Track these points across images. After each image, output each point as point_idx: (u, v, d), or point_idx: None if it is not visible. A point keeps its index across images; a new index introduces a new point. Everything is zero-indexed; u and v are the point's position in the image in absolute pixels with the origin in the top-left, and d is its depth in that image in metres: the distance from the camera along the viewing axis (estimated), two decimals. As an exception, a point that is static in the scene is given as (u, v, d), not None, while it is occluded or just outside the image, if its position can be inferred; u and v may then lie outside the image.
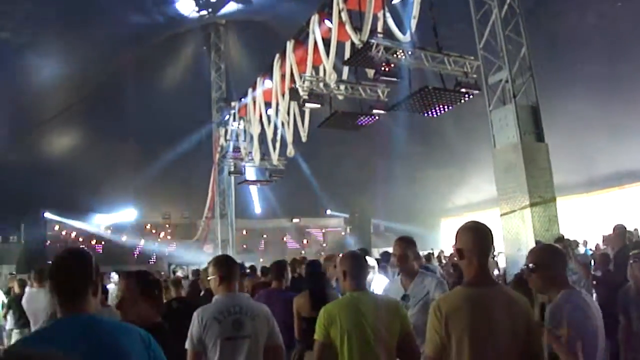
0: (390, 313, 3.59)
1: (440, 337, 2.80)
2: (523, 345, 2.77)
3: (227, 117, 22.36)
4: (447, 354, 2.79)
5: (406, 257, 4.68)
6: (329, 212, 30.38)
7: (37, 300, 8.32)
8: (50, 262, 2.47)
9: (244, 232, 30.34)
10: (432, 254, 14.51)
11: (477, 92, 11.82)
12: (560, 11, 16.83)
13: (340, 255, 4.35)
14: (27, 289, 9.08)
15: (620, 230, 7.71)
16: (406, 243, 4.77)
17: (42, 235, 17.97)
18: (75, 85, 24.29)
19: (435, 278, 4.75)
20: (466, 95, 12.06)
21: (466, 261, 2.93)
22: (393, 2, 12.62)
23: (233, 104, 21.72)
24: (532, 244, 9.36)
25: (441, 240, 24.05)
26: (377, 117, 14.12)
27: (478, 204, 22.52)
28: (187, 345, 3.77)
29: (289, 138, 17.47)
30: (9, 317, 10.47)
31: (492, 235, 2.99)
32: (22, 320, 9.59)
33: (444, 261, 13.38)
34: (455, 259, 3.41)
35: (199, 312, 3.90)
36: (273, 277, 6.45)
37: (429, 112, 12.91)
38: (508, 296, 2.90)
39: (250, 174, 21.79)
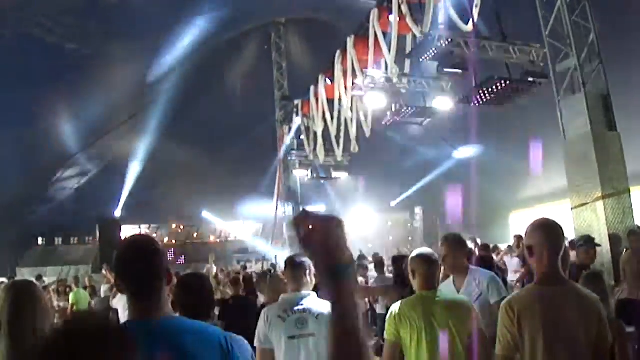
0: (460, 313, 3.55)
1: (512, 337, 2.78)
2: (596, 344, 2.71)
3: (290, 115, 22.56)
4: (519, 353, 2.77)
5: (453, 257, 4.58)
6: (392, 204, 30.22)
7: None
8: (117, 252, 2.21)
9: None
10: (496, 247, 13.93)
11: (545, 80, 11.52)
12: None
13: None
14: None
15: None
16: (452, 243, 4.66)
17: (116, 237, 18.70)
18: (142, 93, 25.04)
19: (486, 276, 4.58)
20: (534, 85, 11.78)
21: (537, 259, 2.89)
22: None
23: (296, 101, 21.88)
24: (606, 238, 9.02)
25: (510, 234, 23.49)
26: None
27: (548, 195, 21.87)
28: (256, 343, 3.83)
29: (353, 134, 17.48)
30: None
31: (562, 232, 2.94)
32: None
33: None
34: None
35: (265, 311, 4.01)
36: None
37: (497, 103, 12.67)
38: (580, 294, 2.85)
39: (315, 170, 21.91)
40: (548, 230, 2.92)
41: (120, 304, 8.02)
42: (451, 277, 4.70)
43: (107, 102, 23.20)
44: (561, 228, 2.93)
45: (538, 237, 2.89)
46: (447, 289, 4.59)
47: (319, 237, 1.35)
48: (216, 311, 6.42)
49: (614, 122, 10.24)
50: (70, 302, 11.88)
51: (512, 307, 2.83)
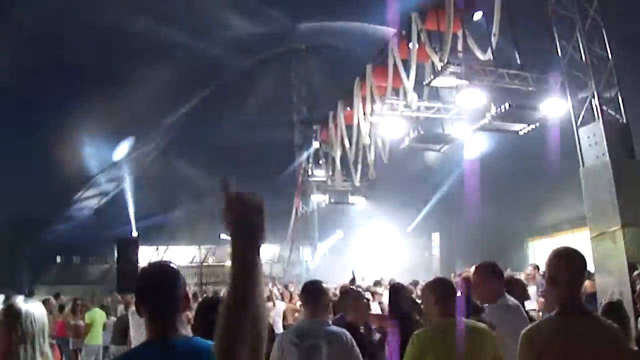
0: (482, 342, 3.55)
1: None
2: None
3: (309, 140, 22.73)
4: None
5: (480, 288, 4.39)
6: (409, 229, 30.06)
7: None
8: (138, 278, 2.36)
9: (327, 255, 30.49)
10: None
11: (561, 109, 11.56)
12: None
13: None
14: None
15: None
16: (478, 272, 4.48)
17: (134, 257, 18.79)
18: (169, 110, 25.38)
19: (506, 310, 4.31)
20: (549, 112, 11.85)
21: (558, 289, 2.86)
22: (475, 19, 12.53)
23: (314, 127, 22.05)
24: (625, 268, 8.95)
25: (529, 261, 23.25)
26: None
27: (567, 222, 21.70)
28: None
29: (371, 160, 17.56)
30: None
31: (584, 261, 2.91)
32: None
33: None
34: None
35: (278, 337, 4.07)
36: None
37: (513, 131, 12.73)
38: (601, 326, 2.81)
39: (333, 195, 21.98)
40: (570, 259, 2.89)
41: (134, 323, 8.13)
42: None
43: (128, 123, 23.52)
44: (583, 257, 2.91)
45: (560, 267, 2.86)
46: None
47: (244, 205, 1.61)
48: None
49: (633, 150, 10.21)
50: (86, 320, 11.92)
51: (532, 338, 2.80)
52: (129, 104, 22.90)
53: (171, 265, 2.42)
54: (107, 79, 21.47)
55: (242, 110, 26.57)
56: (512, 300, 4.36)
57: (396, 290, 6.19)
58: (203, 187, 26.86)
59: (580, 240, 10.86)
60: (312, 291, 4.24)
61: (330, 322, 4.30)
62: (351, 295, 6.05)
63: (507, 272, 12.47)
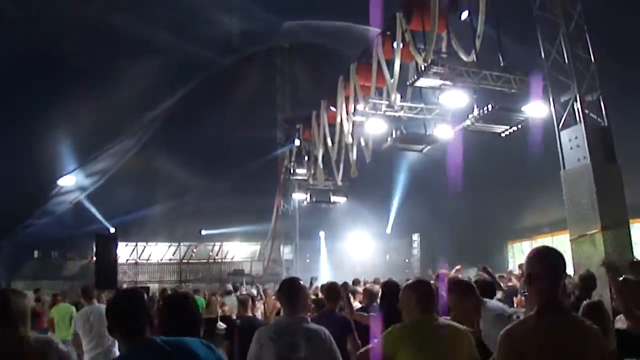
0: (456, 340, 3.55)
1: None
2: None
3: (292, 138, 22.68)
4: None
5: (459, 307, 4.50)
6: (387, 230, 30.19)
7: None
8: (113, 302, 2.87)
9: (307, 255, 30.51)
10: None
11: (543, 111, 11.62)
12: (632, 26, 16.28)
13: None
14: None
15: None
16: (452, 289, 4.59)
17: (112, 253, 18.60)
18: (143, 111, 25.14)
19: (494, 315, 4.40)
20: (531, 115, 11.92)
21: (536, 288, 2.83)
22: (462, 18, 12.54)
23: (297, 125, 22.01)
24: (604, 270, 8.99)
25: (508, 264, 23.41)
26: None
27: (547, 225, 21.91)
28: None
29: (353, 159, 17.54)
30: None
31: (564, 260, 2.88)
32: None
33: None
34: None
35: (257, 333, 4.02)
36: (326, 299, 6.50)
37: (495, 132, 12.78)
38: (580, 325, 2.78)
39: (314, 194, 21.95)
40: (549, 258, 2.86)
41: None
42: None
43: (107, 119, 23.27)
44: (562, 256, 2.87)
45: (538, 266, 2.83)
46: None
47: None
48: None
49: (614, 154, 10.28)
50: (51, 315, 11.34)
51: (512, 337, 2.77)
52: (109, 99, 22.67)
53: (136, 291, 2.97)
54: (86, 74, 21.17)
55: (224, 108, 26.46)
56: (491, 304, 4.42)
57: (392, 289, 6.21)
58: (184, 183, 26.76)
59: (559, 243, 10.91)
60: (291, 289, 4.21)
61: (310, 319, 4.26)
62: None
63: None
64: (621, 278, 5.18)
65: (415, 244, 30.21)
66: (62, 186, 25.03)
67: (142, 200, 26.24)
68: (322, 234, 30.00)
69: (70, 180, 24.75)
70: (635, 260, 8.97)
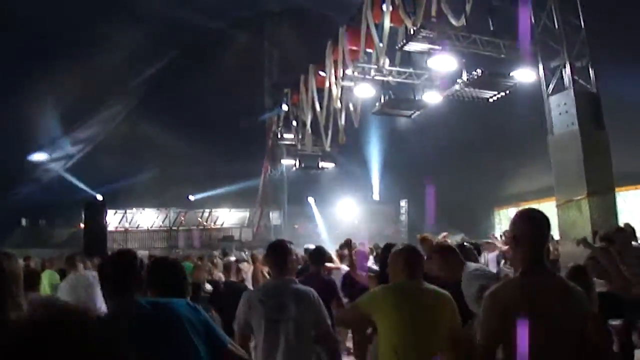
0: (438, 304, 3.54)
1: (496, 327, 2.71)
2: (580, 337, 2.68)
3: (280, 103, 22.51)
4: (501, 343, 2.72)
5: (444, 269, 4.47)
6: (376, 197, 30.28)
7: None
8: (104, 261, 2.89)
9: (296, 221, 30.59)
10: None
11: (532, 77, 11.57)
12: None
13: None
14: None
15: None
16: (443, 255, 4.59)
17: (102, 221, 18.53)
18: (135, 75, 24.89)
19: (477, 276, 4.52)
20: (520, 80, 11.87)
21: (522, 249, 2.82)
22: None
23: (285, 90, 21.83)
24: (589, 236, 9.07)
25: (496, 231, 23.60)
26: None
27: (533, 193, 22.02)
28: (235, 326, 3.86)
29: (341, 124, 17.46)
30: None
31: (548, 223, 2.87)
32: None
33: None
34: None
35: (245, 294, 4.01)
36: (311, 262, 6.54)
37: (484, 98, 12.73)
38: (565, 286, 2.79)
39: (303, 159, 21.89)
40: (534, 220, 2.86)
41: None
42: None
43: (93, 86, 23.02)
44: (547, 218, 2.86)
45: (524, 227, 2.83)
46: None
47: None
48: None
49: (603, 120, 10.29)
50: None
51: (497, 296, 2.76)
52: (96, 65, 22.38)
53: (128, 252, 2.99)
54: (74, 40, 20.85)
55: (212, 73, 26.18)
56: (471, 265, 4.45)
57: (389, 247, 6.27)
58: (172, 150, 26.61)
59: (545, 210, 10.93)
60: (279, 251, 4.18)
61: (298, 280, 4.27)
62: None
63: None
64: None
65: (403, 210, 30.36)
66: (49, 154, 24.84)
67: (130, 168, 26.07)
68: (311, 199, 30.03)
69: (54, 151, 24.56)
70: (618, 226, 9.03)
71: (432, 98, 14.42)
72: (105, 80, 23.80)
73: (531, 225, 2.84)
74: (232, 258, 13.99)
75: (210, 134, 25.68)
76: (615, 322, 3.81)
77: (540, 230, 2.84)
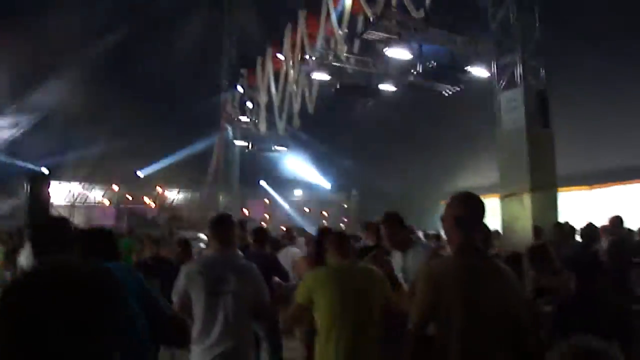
0: (369, 279, 3.68)
1: (429, 303, 2.79)
2: (512, 316, 2.76)
3: (235, 84, 22.30)
4: (434, 320, 2.80)
5: (393, 234, 4.73)
6: (327, 186, 30.40)
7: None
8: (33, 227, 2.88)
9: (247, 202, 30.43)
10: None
11: (487, 73, 11.78)
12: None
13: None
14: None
15: (615, 220, 7.48)
16: (391, 220, 4.82)
17: (45, 193, 18.01)
18: (86, 45, 24.21)
19: (428, 249, 4.77)
20: (475, 76, 12.07)
21: (458, 230, 2.88)
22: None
23: (242, 71, 21.63)
24: (530, 230, 9.34)
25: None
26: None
27: (483, 188, 22.43)
28: (173, 296, 3.82)
29: (296, 109, 17.43)
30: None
31: (483, 206, 2.94)
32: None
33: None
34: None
35: (185, 267, 3.98)
36: (253, 240, 6.67)
37: (438, 91, 12.90)
38: (497, 267, 2.87)
39: (256, 142, 21.79)
40: (469, 202, 2.94)
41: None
42: (399, 253, 4.77)
43: (42, 56, 22.34)
44: (482, 202, 2.94)
45: (459, 208, 2.90)
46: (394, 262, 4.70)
47: None
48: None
49: (549, 119, 10.55)
50: None
51: (432, 274, 2.85)
52: (46, 35, 21.70)
53: (60, 218, 3.12)
54: (18, 8, 20.18)
55: (168, 49, 25.69)
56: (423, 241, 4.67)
57: (325, 230, 6.37)
58: (123, 125, 26.02)
59: (492, 205, 11.16)
60: (221, 224, 4.16)
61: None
62: None
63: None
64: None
65: (352, 199, 30.57)
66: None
67: (79, 141, 25.42)
68: (264, 182, 29.92)
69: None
70: (557, 222, 9.30)
71: (388, 87, 14.53)
72: (54, 51, 23.10)
73: (466, 207, 2.92)
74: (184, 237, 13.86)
75: (163, 112, 25.24)
76: (547, 308, 3.96)
77: (475, 213, 2.91)
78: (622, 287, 5.32)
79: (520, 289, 2.96)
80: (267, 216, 28.91)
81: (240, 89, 21.57)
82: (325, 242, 5.59)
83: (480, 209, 2.92)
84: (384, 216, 4.89)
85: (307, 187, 30.64)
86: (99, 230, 3.47)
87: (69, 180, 27.97)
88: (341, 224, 26.81)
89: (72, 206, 28.66)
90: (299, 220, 26.69)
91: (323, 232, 6.22)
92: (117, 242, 3.55)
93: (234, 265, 3.94)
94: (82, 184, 29.09)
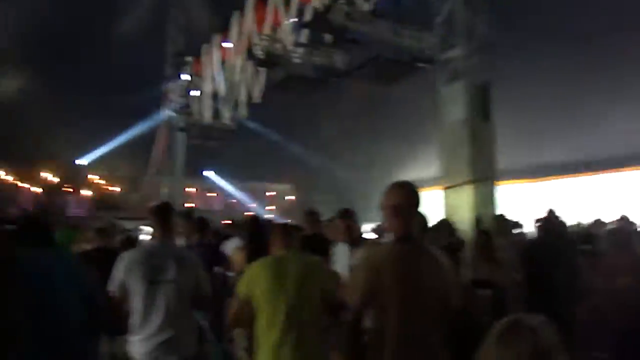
0: (312, 270, 3.69)
1: (367, 289, 2.85)
2: (445, 299, 2.86)
3: (180, 72, 21.98)
4: (371, 305, 2.86)
5: (350, 229, 4.92)
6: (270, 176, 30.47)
7: None
8: None
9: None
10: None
11: (430, 66, 11.94)
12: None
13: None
14: None
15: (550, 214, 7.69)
16: (348, 216, 5.01)
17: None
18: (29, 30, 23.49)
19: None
20: (420, 69, 12.22)
21: (397, 218, 2.95)
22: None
23: (187, 59, 21.32)
24: (471, 220, 9.57)
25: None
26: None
27: (429, 179, 22.79)
28: (110, 286, 3.74)
29: (242, 98, 17.31)
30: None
31: (417, 193, 3.03)
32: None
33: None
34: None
35: (124, 255, 3.89)
36: (197, 230, 6.59)
37: (382, 83, 13.01)
38: (431, 255, 2.98)
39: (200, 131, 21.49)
40: (404, 190, 3.02)
41: None
42: (347, 247, 4.92)
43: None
44: (416, 190, 3.04)
45: (395, 197, 2.98)
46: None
47: None
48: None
49: (490, 113, 10.77)
50: None
51: (369, 260, 2.95)
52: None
53: None
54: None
55: (112, 36, 25.14)
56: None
57: (255, 220, 6.36)
58: (64, 113, 25.34)
59: (438, 196, 11.34)
60: (161, 212, 4.11)
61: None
62: None
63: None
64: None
65: (294, 191, 30.72)
66: None
67: (21, 127, 24.68)
68: (211, 172, 29.71)
69: None
70: (498, 215, 9.53)
71: (335, 78, 14.56)
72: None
73: (400, 195, 3.00)
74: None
75: (106, 99, 24.74)
76: (484, 291, 4.13)
77: (410, 199, 3.00)
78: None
79: (452, 272, 3.04)
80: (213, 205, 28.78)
81: (186, 77, 21.25)
82: (257, 232, 5.64)
83: (414, 197, 3.01)
84: (342, 211, 5.07)
85: (249, 177, 30.58)
86: (26, 218, 3.40)
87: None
88: (286, 214, 26.85)
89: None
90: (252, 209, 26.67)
91: (253, 222, 6.23)
92: (50, 230, 3.48)
93: (174, 254, 3.91)
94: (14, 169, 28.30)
